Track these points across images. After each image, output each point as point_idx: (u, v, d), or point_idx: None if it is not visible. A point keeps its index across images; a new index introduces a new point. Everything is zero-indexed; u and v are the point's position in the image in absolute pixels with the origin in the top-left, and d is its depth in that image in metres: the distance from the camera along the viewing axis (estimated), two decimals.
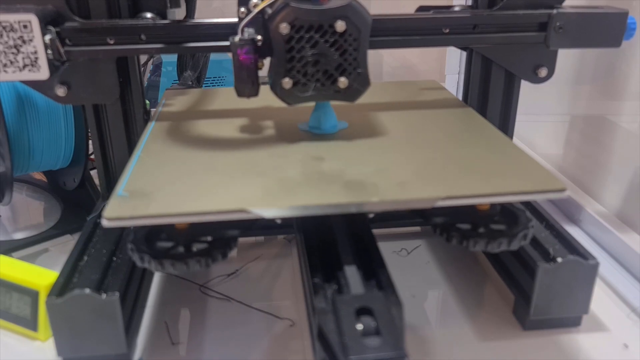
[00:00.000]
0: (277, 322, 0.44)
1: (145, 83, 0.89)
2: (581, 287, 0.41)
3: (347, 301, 0.32)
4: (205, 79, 0.70)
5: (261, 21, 0.37)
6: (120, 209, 0.31)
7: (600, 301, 0.46)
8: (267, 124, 0.45)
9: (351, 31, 0.37)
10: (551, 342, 0.41)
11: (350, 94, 0.39)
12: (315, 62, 0.38)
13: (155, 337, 0.42)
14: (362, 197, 0.32)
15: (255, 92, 0.38)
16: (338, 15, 0.36)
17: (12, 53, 0.38)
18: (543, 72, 0.47)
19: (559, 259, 0.40)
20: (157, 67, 0.90)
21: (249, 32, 0.36)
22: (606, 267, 0.51)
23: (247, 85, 0.37)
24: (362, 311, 0.32)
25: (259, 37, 0.37)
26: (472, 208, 0.39)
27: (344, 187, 0.34)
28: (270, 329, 0.43)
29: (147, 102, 0.50)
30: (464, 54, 0.53)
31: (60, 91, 0.41)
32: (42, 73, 0.39)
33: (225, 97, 0.53)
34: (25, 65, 0.39)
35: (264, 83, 0.38)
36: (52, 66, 0.39)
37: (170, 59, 0.87)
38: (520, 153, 0.38)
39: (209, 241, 0.36)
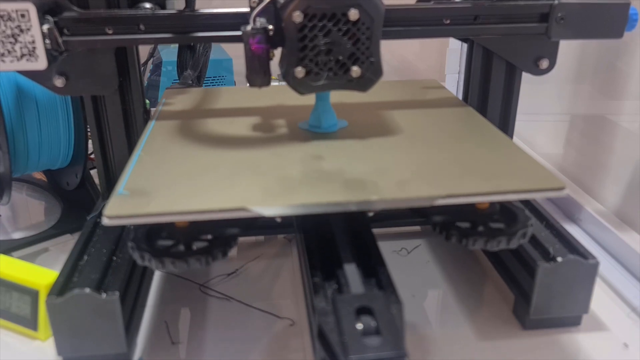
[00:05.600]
0: (277, 322, 0.44)
1: (145, 82, 0.89)
2: (581, 287, 0.41)
3: (347, 300, 0.32)
4: (205, 79, 0.70)
5: (272, 11, 0.37)
6: (121, 207, 0.31)
7: (600, 300, 0.46)
8: (267, 123, 0.45)
9: (364, 20, 0.37)
10: (551, 341, 0.41)
11: (363, 83, 0.39)
12: (328, 51, 0.37)
13: (155, 336, 0.42)
14: (362, 195, 0.32)
15: (267, 82, 0.37)
16: (351, 4, 0.36)
17: (10, 42, 0.38)
18: (544, 63, 0.46)
19: (559, 259, 0.40)
20: (157, 67, 0.90)
21: (260, 22, 0.36)
22: (606, 266, 0.51)
23: (259, 75, 0.37)
24: (362, 310, 0.32)
25: (271, 27, 0.37)
26: (471, 207, 0.39)
27: (343, 185, 0.34)
28: (270, 329, 0.43)
29: (147, 101, 0.50)
30: (464, 53, 0.53)
31: (59, 82, 0.41)
32: (40, 63, 0.39)
33: (225, 96, 0.53)
34: (23, 55, 0.38)
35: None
36: (50, 56, 0.39)
37: (170, 59, 0.87)
38: (519, 152, 0.38)
39: (209, 239, 0.36)
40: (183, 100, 0.52)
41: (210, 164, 0.37)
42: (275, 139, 0.42)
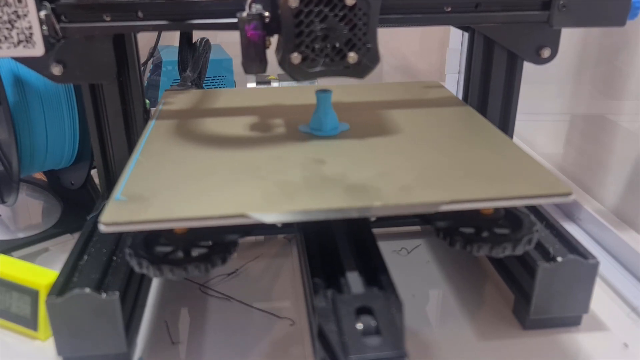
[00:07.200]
0: (277, 322, 0.44)
1: (145, 82, 0.89)
2: (581, 287, 0.41)
3: (347, 300, 0.32)
4: (205, 78, 0.70)
5: None
6: (118, 214, 0.31)
7: (600, 300, 0.46)
8: (267, 126, 0.45)
9: (361, 5, 0.36)
10: (551, 341, 0.41)
11: (360, 70, 0.38)
12: (324, 37, 0.37)
13: (155, 336, 0.42)
14: (364, 201, 0.32)
15: (263, 69, 0.37)
16: None
17: (7, 28, 0.38)
18: (546, 52, 0.46)
19: (559, 259, 0.40)
20: (157, 67, 0.90)
21: (256, 8, 0.36)
22: (606, 266, 0.51)
23: (254, 62, 0.37)
24: (362, 310, 0.32)
25: (267, 14, 0.36)
26: (475, 212, 0.38)
27: (345, 191, 0.33)
28: (270, 329, 0.43)
29: (147, 101, 0.50)
30: (464, 53, 0.53)
31: (56, 70, 0.41)
32: (37, 49, 0.39)
33: (225, 98, 0.53)
34: (20, 41, 0.38)
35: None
36: (48, 43, 0.39)
37: (170, 59, 0.87)
38: (524, 155, 0.38)
39: (208, 246, 0.36)
40: (182, 103, 0.52)
41: (210, 168, 0.37)
42: (275, 143, 0.41)
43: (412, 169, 0.36)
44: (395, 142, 0.41)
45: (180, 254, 0.35)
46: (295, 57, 0.37)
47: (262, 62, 0.37)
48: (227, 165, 0.37)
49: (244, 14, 0.36)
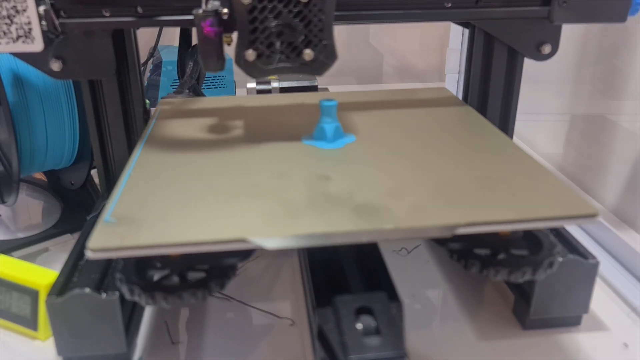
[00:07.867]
0: (277, 322, 0.44)
1: (145, 82, 0.89)
2: (581, 287, 0.41)
3: (347, 301, 0.32)
4: (205, 79, 0.70)
5: None
6: (107, 239, 0.29)
7: (600, 300, 0.46)
8: (268, 138, 0.43)
9: (315, 1, 0.36)
10: (551, 341, 0.41)
11: (317, 67, 0.37)
12: (279, 34, 0.36)
13: (155, 336, 0.42)
14: (374, 223, 0.30)
15: (221, 67, 0.36)
16: None
17: (6, 24, 0.38)
18: (547, 48, 0.46)
19: (559, 259, 0.39)
20: (157, 67, 0.90)
21: (212, 4, 0.35)
22: (606, 266, 0.51)
23: (212, 59, 0.36)
24: (362, 310, 0.32)
25: (225, 10, 0.36)
26: (492, 233, 0.35)
27: (353, 211, 0.31)
28: (270, 329, 0.43)
29: (147, 101, 0.50)
30: (464, 53, 0.53)
31: (55, 65, 0.41)
32: (36, 45, 0.38)
33: (223, 106, 0.51)
34: (19, 37, 0.38)
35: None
36: (47, 38, 0.39)
37: (170, 59, 0.87)
38: (543, 171, 0.36)
39: (205, 269, 0.34)
40: (178, 113, 0.49)
41: (206, 186, 0.35)
42: (277, 156, 0.39)
43: (423, 186, 0.34)
44: (405, 155, 0.39)
45: (174, 279, 0.33)
46: (250, 54, 0.37)
47: (220, 59, 0.36)
48: (225, 183, 0.35)
49: (200, 11, 0.35)
